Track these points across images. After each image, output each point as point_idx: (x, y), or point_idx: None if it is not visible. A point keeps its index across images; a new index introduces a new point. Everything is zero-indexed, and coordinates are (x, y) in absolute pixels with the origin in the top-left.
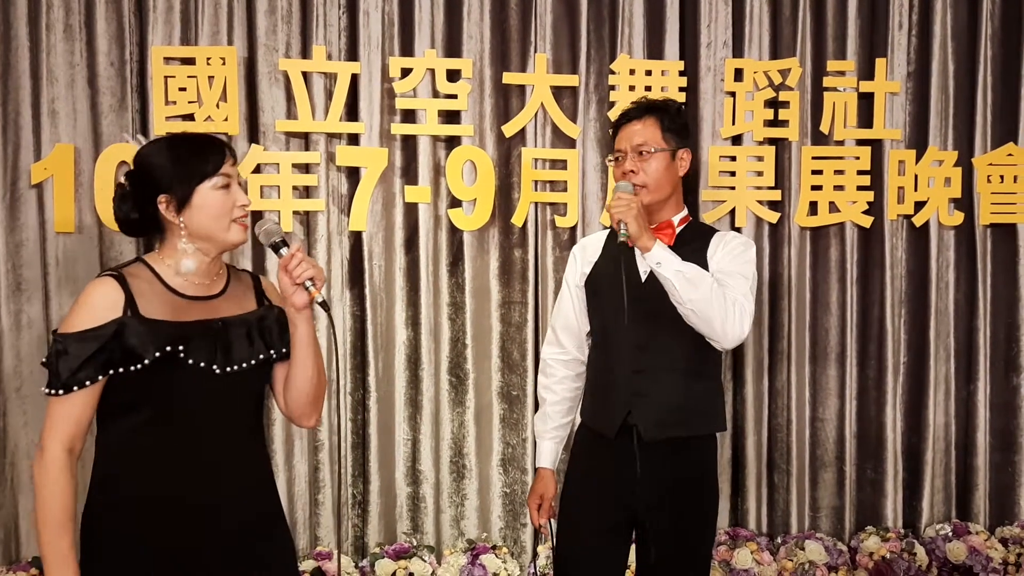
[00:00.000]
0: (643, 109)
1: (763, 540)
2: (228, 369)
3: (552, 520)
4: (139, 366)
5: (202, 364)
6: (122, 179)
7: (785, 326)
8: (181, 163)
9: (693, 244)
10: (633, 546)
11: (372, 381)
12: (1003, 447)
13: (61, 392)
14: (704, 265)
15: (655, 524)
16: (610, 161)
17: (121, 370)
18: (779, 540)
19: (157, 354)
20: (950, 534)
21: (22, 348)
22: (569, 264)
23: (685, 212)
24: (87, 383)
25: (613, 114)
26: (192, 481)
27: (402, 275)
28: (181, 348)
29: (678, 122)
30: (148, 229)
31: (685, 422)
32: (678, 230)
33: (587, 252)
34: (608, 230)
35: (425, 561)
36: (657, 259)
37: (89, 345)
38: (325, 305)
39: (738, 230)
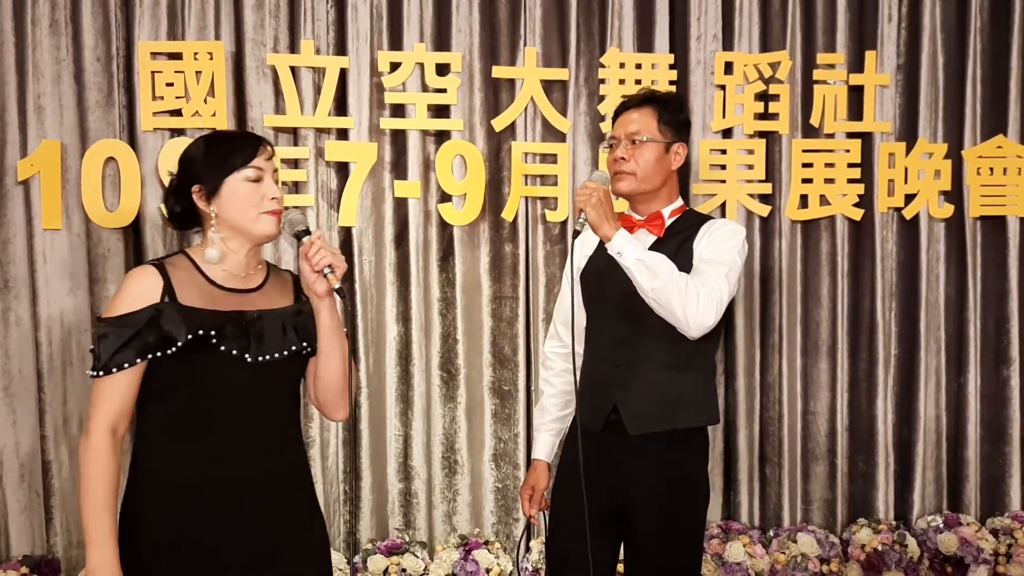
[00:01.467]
0: (642, 99)
1: (755, 533)
2: (260, 359)
3: (544, 512)
4: (173, 350)
5: (234, 352)
6: (171, 174)
7: (776, 319)
8: (214, 155)
9: (682, 234)
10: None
11: (363, 377)
12: (993, 439)
13: (102, 373)
14: (689, 255)
15: (643, 520)
16: (604, 148)
17: (159, 354)
18: (771, 533)
19: (189, 336)
20: (941, 526)
21: (10, 346)
22: (569, 256)
23: (679, 203)
24: (125, 365)
25: (606, 106)
26: (223, 466)
27: (392, 270)
28: (213, 333)
29: (677, 116)
30: (190, 220)
31: (670, 415)
32: (669, 221)
33: (585, 246)
34: None
35: (417, 557)
36: (617, 249)
37: (127, 329)
38: (341, 292)
39: None
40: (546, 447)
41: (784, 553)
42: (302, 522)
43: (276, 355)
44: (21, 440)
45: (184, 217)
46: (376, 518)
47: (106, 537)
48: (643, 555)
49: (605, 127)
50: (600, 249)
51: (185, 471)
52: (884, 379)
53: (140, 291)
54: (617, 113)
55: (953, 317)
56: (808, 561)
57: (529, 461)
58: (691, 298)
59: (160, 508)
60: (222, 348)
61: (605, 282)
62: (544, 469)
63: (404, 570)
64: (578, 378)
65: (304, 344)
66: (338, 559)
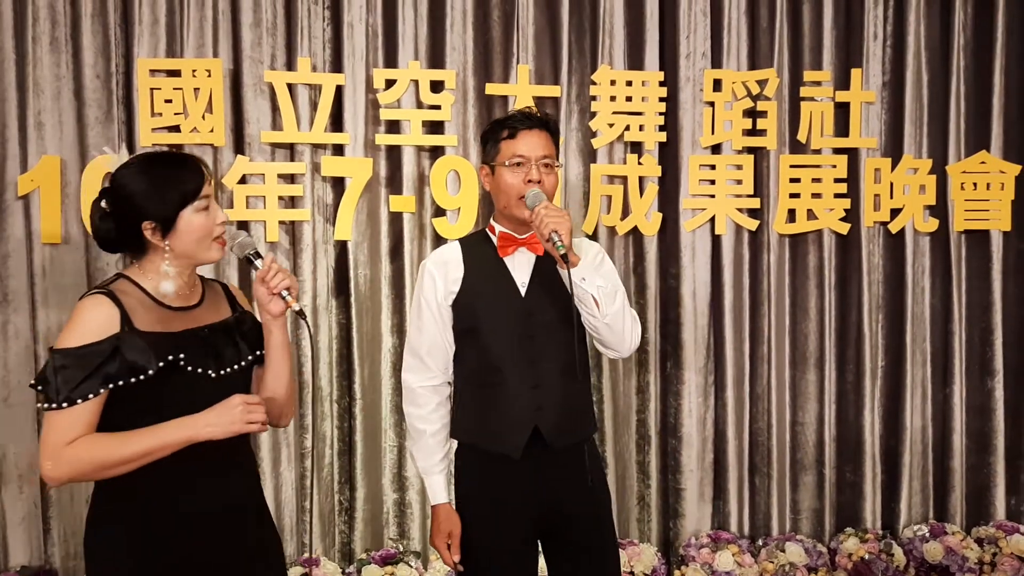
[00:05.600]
0: (541, 121)
1: (744, 542)
2: (222, 372)
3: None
4: (142, 377)
5: (199, 370)
6: (99, 198)
7: (765, 331)
8: (162, 188)
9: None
10: (542, 559)
11: (358, 388)
12: (979, 449)
13: (65, 405)
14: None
15: (573, 530)
16: (507, 165)
17: (122, 383)
18: (760, 542)
19: (160, 364)
20: (927, 535)
21: (9, 359)
22: (426, 283)
23: None
24: (90, 396)
25: (597, 123)
26: (197, 484)
27: (387, 283)
28: (182, 357)
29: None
30: (127, 247)
31: (581, 426)
32: None
33: (449, 268)
34: (457, 243)
35: (411, 567)
36: (582, 274)
37: (91, 360)
38: (302, 314)
39: (718, 238)
40: (447, 488)
41: (773, 562)
42: (263, 533)
43: (236, 367)
44: (19, 451)
45: (119, 243)
46: (371, 528)
47: (143, 433)
48: (575, 564)
49: (597, 143)
50: (473, 270)
51: (160, 489)
52: (871, 390)
53: (98, 321)
54: (513, 129)
55: (938, 329)
56: (796, 570)
57: None
58: (630, 322)
59: (133, 530)
60: (189, 368)
61: (507, 306)
62: (453, 512)
63: None
64: (464, 407)
65: (257, 352)
66: (333, 569)
